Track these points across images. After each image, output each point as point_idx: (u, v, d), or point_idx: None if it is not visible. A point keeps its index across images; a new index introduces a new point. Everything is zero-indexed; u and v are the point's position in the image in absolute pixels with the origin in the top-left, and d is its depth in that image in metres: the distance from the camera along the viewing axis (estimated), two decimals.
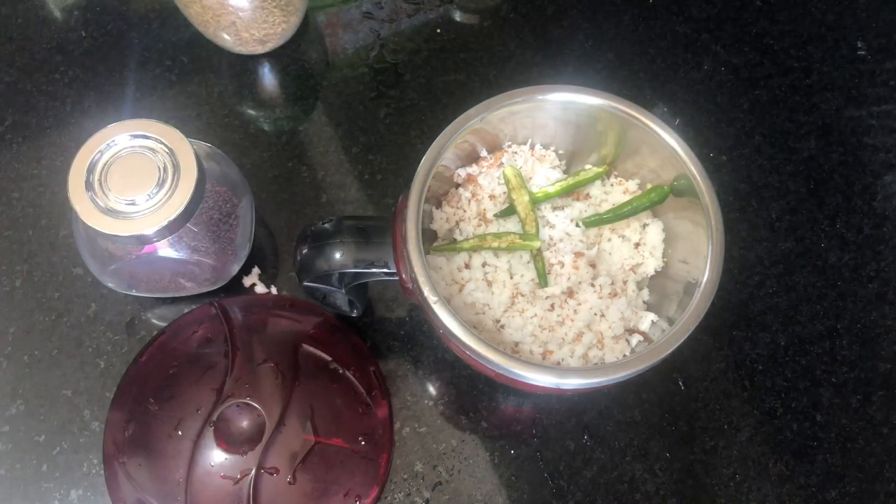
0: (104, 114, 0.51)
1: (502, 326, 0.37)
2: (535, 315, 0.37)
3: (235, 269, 0.43)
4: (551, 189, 0.40)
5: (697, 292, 0.34)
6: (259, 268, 0.46)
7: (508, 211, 0.40)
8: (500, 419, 0.43)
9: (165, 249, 0.38)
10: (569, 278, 0.37)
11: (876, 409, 0.44)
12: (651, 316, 0.38)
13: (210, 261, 0.40)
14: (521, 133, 0.41)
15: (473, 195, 0.40)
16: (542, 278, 0.37)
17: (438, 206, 0.41)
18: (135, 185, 0.35)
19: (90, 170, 0.35)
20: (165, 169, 0.35)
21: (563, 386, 0.33)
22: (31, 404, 0.42)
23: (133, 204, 0.35)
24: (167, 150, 0.36)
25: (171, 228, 0.35)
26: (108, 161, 0.35)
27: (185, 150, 0.36)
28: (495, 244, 0.38)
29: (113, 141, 0.36)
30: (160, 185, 0.35)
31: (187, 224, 0.36)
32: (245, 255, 0.43)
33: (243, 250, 0.43)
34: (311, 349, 0.41)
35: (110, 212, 0.34)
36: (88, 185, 0.35)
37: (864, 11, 0.58)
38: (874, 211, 0.50)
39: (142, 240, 0.35)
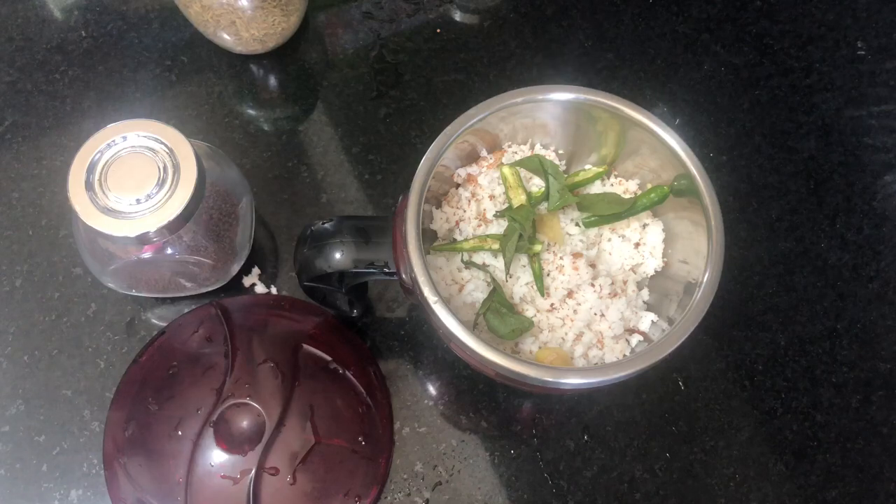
0: (104, 114, 0.51)
1: None
2: (535, 315, 0.37)
3: (235, 269, 0.43)
4: None
5: (697, 292, 0.34)
6: (259, 268, 0.46)
7: (508, 211, 0.40)
8: (499, 419, 0.43)
9: (165, 249, 0.38)
10: (568, 280, 0.37)
11: (876, 409, 0.44)
12: (651, 316, 0.38)
13: (210, 261, 0.40)
14: (521, 133, 0.41)
15: (473, 195, 0.40)
16: (539, 281, 0.37)
17: (438, 206, 0.41)
18: (135, 184, 0.35)
19: (90, 169, 0.35)
20: (165, 169, 0.35)
21: (563, 385, 0.33)
22: (31, 404, 0.42)
23: (133, 204, 0.35)
24: (167, 150, 0.36)
25: (172, 228, 0.35)
26: (108, 161, 0.35)
27: (185, 149, 0.36)
28: (495, 246, 0.38)
29: (113, 141, 0.36)
30: (160, 184, 0.35)
31: (187, 224, 0.36)
32: (245, 255, 0.43)
33: (243, 250, 0.43)
34: (311, 349, 0.41)
35: (110, 212, 0.34)
36: (88, 185, 0.35)
37: (864, 11, 0.58)
38: (874, 211, 0.50)
39: (142, 240, 0.35)
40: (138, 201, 0.35)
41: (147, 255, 0.38)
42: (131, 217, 0.34)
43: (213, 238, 0.40)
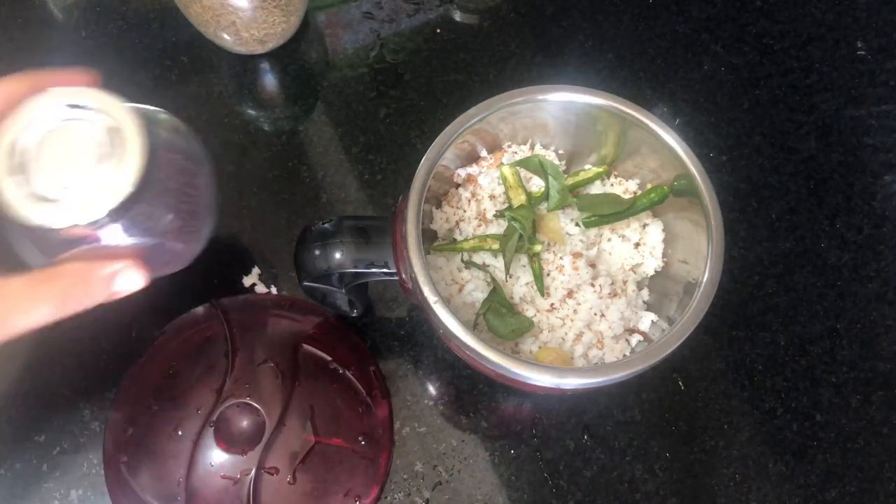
0: None
1: None
2: (535, 315, 0.37)
3: (198, 248, 0.38)
4: None
5: (697, 292, 0.34)
6: (259, 268, 0.46)
7: (508, 211, 0.40)
8: (500, 419, 0.43)
9: (116, 234, 0.32)
10: (568, 280, 0.37)
11: (876, 408, 0.44)
12: (651, 316, 0.38)
13: (169, 241, 0.35)
14: (521, 133, 0.41)
15: (473, 195, 0.40)
16: (539, 281, 0.37)
17: (438, 206, 0.41)
18: (70, 164, 0.29)
19: (13, 153, 0.29)
20: (106, 143, 0.30)
21: (563, 386, 0.33)
22: (31, 404, 0.42)
23: (69, 188, 0.29)
24: (107, 121, 0.30)
25: (120, 211, 0.30)
26: (36, 140, 0.30)
27: (128, 119, 0.30)
28: (495, 246, 0.38)
29: (41, 115, 0.30)
30: (101, 161, 0.29)
31: (139, 202, 0.31)
32: (208, 233, 0.38)
33: (206, 227, 0.38)
34: (311, 349, 0.41)
35: (42, 199, 0.29)
36: (14, 171, 0.29)
37: (863, 11, 0.58)
38: (874, 211, 0.50)
39: (87, 227, 0.29)
40: (76, 183, 0.29)
41: (95, 242, 0.32)
42: (68, 203, 0.29)
43: (171, 214, 0.34)
